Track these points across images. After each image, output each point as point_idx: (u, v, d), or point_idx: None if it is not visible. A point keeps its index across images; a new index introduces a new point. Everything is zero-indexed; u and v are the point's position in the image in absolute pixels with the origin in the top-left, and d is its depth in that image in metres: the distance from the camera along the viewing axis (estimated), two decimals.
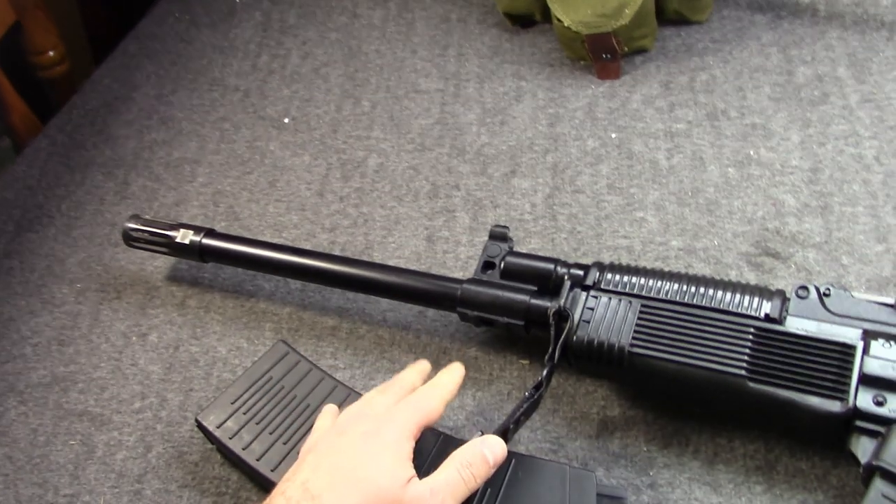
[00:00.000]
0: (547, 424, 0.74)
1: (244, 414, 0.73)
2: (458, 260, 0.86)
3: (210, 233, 0.85)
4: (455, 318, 0.82)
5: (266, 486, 0.69)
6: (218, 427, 0.73)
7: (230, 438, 0.72)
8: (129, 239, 0.88)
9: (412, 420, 0.63)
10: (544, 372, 0.67)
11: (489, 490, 0.62)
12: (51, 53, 1.25)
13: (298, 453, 0.69)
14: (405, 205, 0.92)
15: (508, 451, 0.66)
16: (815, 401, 0.62)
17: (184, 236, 0.85)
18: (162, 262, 0.94)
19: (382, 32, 1.11)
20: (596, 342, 0.68)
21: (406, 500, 0.58)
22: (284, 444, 0.71)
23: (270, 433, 0.72)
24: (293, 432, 0.72)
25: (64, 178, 1.07)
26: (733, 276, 0.77)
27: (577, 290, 0.71)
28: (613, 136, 0.91)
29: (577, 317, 0.70)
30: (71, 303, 0.93)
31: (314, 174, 0.98)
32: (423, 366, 0.71)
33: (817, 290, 0.67)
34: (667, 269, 0.71)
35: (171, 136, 1.07)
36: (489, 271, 0.76)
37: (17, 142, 1.22)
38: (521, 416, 0.66)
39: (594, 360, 0.69)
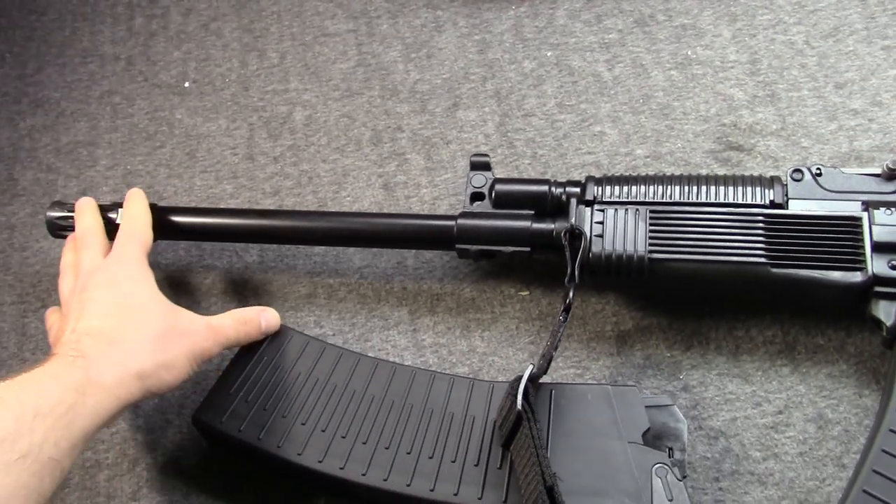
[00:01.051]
0: (565, 351, 0.72)
1: (247, 402, 0.67)
2: (424, 202, 0.82)
3: (153, 207, 0.76)
4: (438, 260, 0.79)
5: (295, 472, 0.63)
6: (222, 421, 0.66)
7: (240, 430, 0.65)
8: (56, 229, 0.77)
9: (135, 249, 0.69)
10: (570, 293, 0.65)
11: (538, 424, 0.60)
12: None
13: (323, 432, 0.64)
14: (349, 155, 0.87)
15: (544, 383, 0.64)
16: (836, 275, 0.64)
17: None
18: None
19: None
20: (614, 255, 0.67)
21: (181, 327, 0.65)
22: (303, 424, 0.65)
23: (284, 416, 0.66)
24: (309, 410, 0.66)
25: None
26: (705, 174, 0.78)
27: (581, 206, 0.69)
28: (549, 54, 0.89)
29: (588, 233, 0.68)
30: None
31: (237, 137, 0.90)
32: (89, 202, 0.75)
33: (809, 170, 0.68)
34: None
35: (52, 120, 0.95)
36: (477, 203, 0.73)
37: None
38: (557, 342, 0.64)
39: (613, 273, 0.68)
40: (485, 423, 0.65)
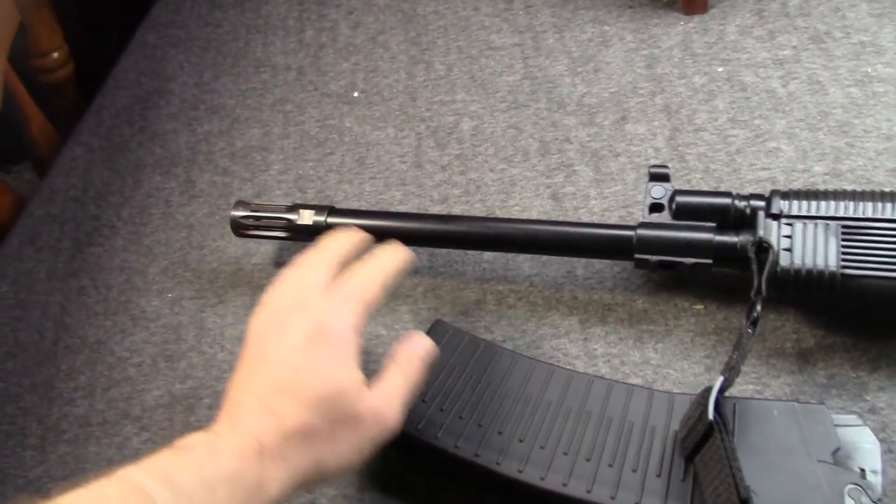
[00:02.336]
0: (744, 367, 0.71)
1: (441, 410, 0.67)
2: (593, 214, 0.82)
3: (333, 210, 0.79)
4: (609, 271, 0.78)
5: (487, 477, 0.63)
6: (418, 428, 0.66)
7: (436, 437, 0.65)
8: (240, 228, 0.81)
9: (357, 315, 0.58)
10: (758, 307, 0.64)
11: (724, 438, 0.59)
12: (55, 55, 1.15)
13: (500, 434, 0.64)
14: (516, 165, 0.88)
15: (728, 397, 0.63)
16: None
17: (304, 217, 0.79)
18: (259, 259, 0.87)
19: None
20: (803, 270, 0.66)
21: (363, 414, 0.55)
22: (479, 426, 0.65)
23: (461, 417, 0.66)
24: (485, 415, 0.66)
25: (114, 184, 0.98)
26: None
27: (768, 220, 0.68)
28: (720, 69, 0.89)
29: (776, 246, 0.67)
30: (167, 315, 0.85)
31: (405, 146, 0.92)
32: (355, 234, 0.66)
33: None
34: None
35: (228, 126, 1.00)
36: (655, 214, 0.73)
37: (38, 155, 1.12)
38: (744, 356, 0.62)
39: (802, 289, 0.66)
40: (665, 434, 0.64)
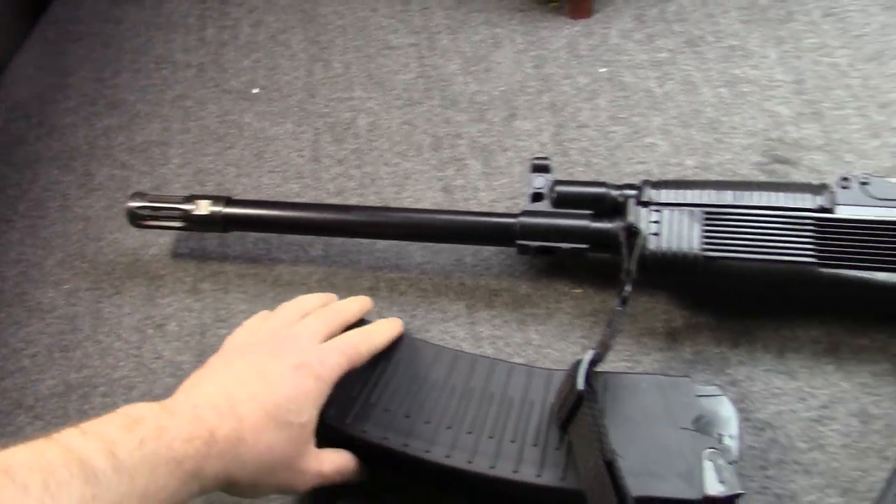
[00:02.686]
0: (617, 346, 0.75)
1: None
2: (482, 205, 0.86)
3: (230, 201, 0.81)
4: (495, 258, 0.82)
5: (417, 466, 0.65)
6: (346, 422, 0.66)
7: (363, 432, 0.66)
8: (137, 218, 0.82)
9: (340, 366, 0.63)
10: (627, 287, 0.69)
11: (592, 407, 0.63)
12: None
13: (448, 428, 0.66)
14: (410, 160, 0.91)
15: (599, 372, 0.67)
16: (882, 276, 0.68)
17: (201, 207, 0.81)
18: (157, 250, 0.88)
19: None
20: (669, 253, 0.71)
21: (305, 466, 0.60)
22: (407, 417, 0.67)
23: (407, 416, 0.67)
24: (376, 392, 0.69)
25: (11, 177, 0.98)
26: (757, 180, 0.81)
27: (638, 207, 0.73)
28: (602, 70, 0.94)
29: (645, 231, 0.72)
30: (63, 306, 0.86)
31: (303, 141, 0.95)
32: (366, 303, 0.72)
33: (857, 179, 0.72)
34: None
35: (128, 120, 1.01)
36: (537, 203, 0.77)
37: None
38: (615, 333, 0.67)
39: (668, 271, 0.72)
40: (542, 407, 0.68)
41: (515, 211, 0.79)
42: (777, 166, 0.84)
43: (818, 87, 0.88)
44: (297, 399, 0.59)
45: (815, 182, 0.73)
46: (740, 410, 0.70)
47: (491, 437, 0.66)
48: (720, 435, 0.65)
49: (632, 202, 0.74)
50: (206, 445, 0.53)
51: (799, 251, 0.69)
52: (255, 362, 0.61)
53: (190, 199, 0.81)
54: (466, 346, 0.77)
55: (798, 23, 0.94)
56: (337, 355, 0.63)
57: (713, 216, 0.72)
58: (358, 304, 0.72)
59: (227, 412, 0.56)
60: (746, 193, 0.73)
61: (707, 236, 0.71)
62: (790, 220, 0.71)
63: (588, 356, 0.64)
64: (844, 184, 0.72)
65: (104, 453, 0.48)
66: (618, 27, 0.97)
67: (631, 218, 0.73)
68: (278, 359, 0.61)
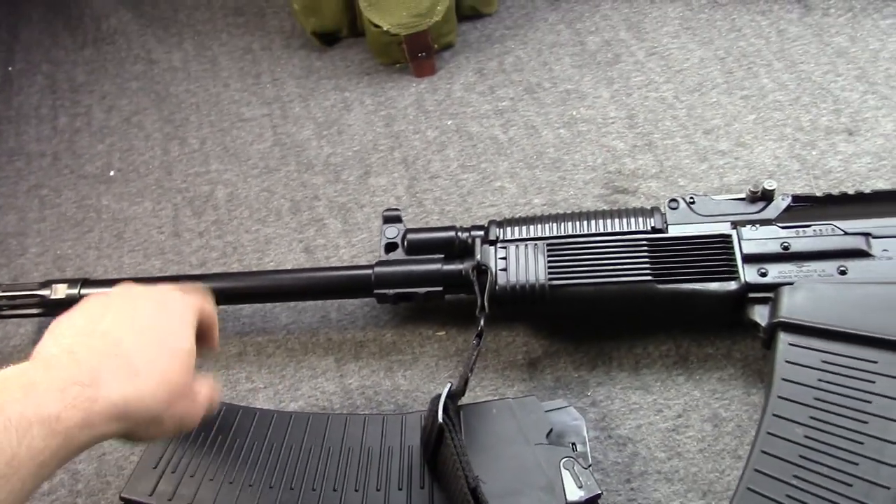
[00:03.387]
0: (483, 381, 0.78)
1: (173, 473, 0.68)
2: (343, 261, 0.88)
3: (86, 282, 0.80)
4: (360, 311, 0.84)
5: None
6: (150, 495, 0.67)
7: (169, 501, 0.67)
8: None
9: (195, 305, 0.60)
10: (481, 322, 0.72)
11: (453, 437, 0.65)
12: None
13: (313, 490, 0.67)
14: (270, 225, 0.93)
15: (459, 406, 0.70)
16: (714, 286, 0.72)
17: (58, 291, 0.80)
18: (18, 340, 0.87)
19: (187, 73, 1.10)
20: (517, 285, 0.74)
21: (192, 390, 0.56)
22: (231, 483, 0.67)
23: (212, 479, 0.68)
24: (234, 471, 0.68)
25: None
26: (594, 210, 0.85)
27: (486, 246, 0.77)
28: (449, 123, 0.98)
29: (493, 268, 0.75)
30: None
31: (162, 217, 0.95)
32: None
33: (684, 199, 0.77)
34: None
35: None
36: (392, 253, 0.79)
37: None
38: (473, 364, 0.70)
39: (518, 302, 0.75)
40: (401, 451, 0.69)
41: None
42: (618, 196, 0.89)
43: (648, 120, 0.94)
44: (175, 325, 0.56)
45: (648, 206, 0.78)
46: (602, 429, 0.73)
47: (356, 490, 0.67)
48: (572, 443, 0.68)
49: (478, 241, 0.77)
50: (90, 388, 0.48)
51: (636, 271, 0.73)
52: (120, 312, 0.55)
53: (46, 284, 0.81)
54: (337, 400, 0.78)
55: (625, 63, 1.00)
56: (190, 300, 0.60)
57: (556, 247, 0.76)
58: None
59: (109, 348, 0.51)
60: (585, 223, 0.77)
61: (552, 267, 0.75)
62: (626, 243, 0.75)
63: (445, 389, 0.66)
64: (673, 205, 0.77)
65: None
66: (461, 82, 1.02)
67: (479, 257, 0.76)
68: (142, 297, 0.58)
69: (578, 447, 0.67)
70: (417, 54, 1.01)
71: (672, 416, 0.73)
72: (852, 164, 0.87)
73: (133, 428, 0.51)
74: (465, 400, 0.73)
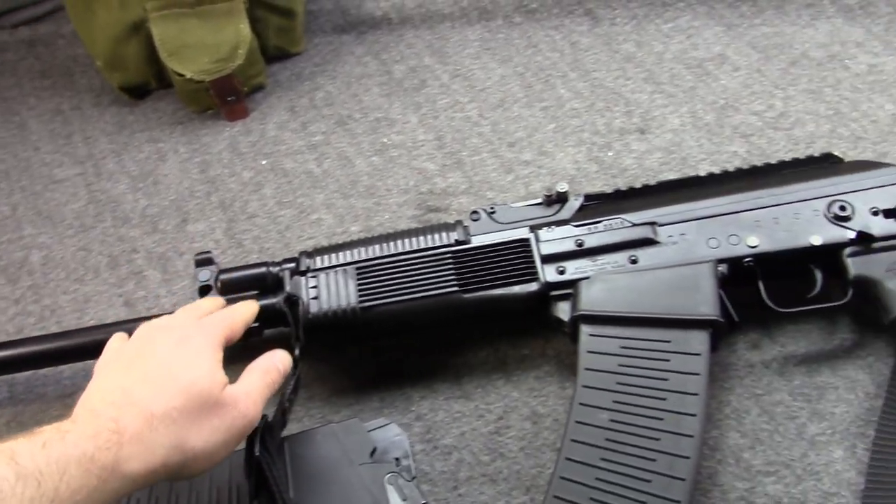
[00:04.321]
0: (310, 410, 0.79)
1: None
2: (164, 310, 0.87)
3: None
4: None
5: None
6: None
7: None
8: None
9: (219, 330, 0.66)
10: (296, 351, 0.73)
11: (276, 465, 0.65)
12: None
13: None
14: (88, 283, 0.91)
15: (282, 437, 0.70)
16: (518, 288, 0.75)
17: None
18: None
19: None
20: (330, 311, 0.76)
21: (225, 401, 0.60)
22: None
23: None
24: None
25: None
26: (400, 230, 0.87)
27: (297, 277, 0.78)
28: (264, 162, 0.99)
29: (305, 298, 0.76)
30: None
31: None
32: (219, 300, 0.75)
33: (485, 210, 0.80)
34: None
35: None
36: (206, 295, 0.79)
37: None
38: (291, 394, 0.70)
39: (333, 328, 0.76)
40: (229, 490, 0.70)
41: None
42: (431, 215, 0.91)
43: (456, 139, 0.98)
44: (185, 363, 0.60)
45: (452, 221, 0.81)
46: (428, 441, 0.75)
47: None
48: (396, 458, 0.70)
49: (287, 273, 0.78)
50: (115, 437, 0.53)
51: (443, 284, 0.76)
52: (142, 353, 0.62)
53: None
54: None
55: (431, 87, 1.04)
56: (212, 328, 0.65)
57: (364, 270, 0.77)
58: (245, 307, 0.73)
59: (127, 403, 0.56)
60: (392, 243, 0.79)
61: (362, 289, 0.76)
62: (431, 258, 0.77)
63: (261, 423, 0.67)
64: (475, 216, 0.80)
65: (4, 461, 0.48)
66: (274, 121, 1.03)
67: (290, 289, 0.77)
68: (160, 342, 0.63)
69: (402, 461, 0.68)
70: (226, 99, 1.01)
71: (493, 420, 0.76)
72: (645, 161, 0.92)
73: (166, 462, 0.55)
74: (291, 430, 0.74)
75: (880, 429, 0.72)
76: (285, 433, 0.72)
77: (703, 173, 0.81)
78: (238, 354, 0.68)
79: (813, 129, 0.92)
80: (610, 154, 0.94)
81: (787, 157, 0.91)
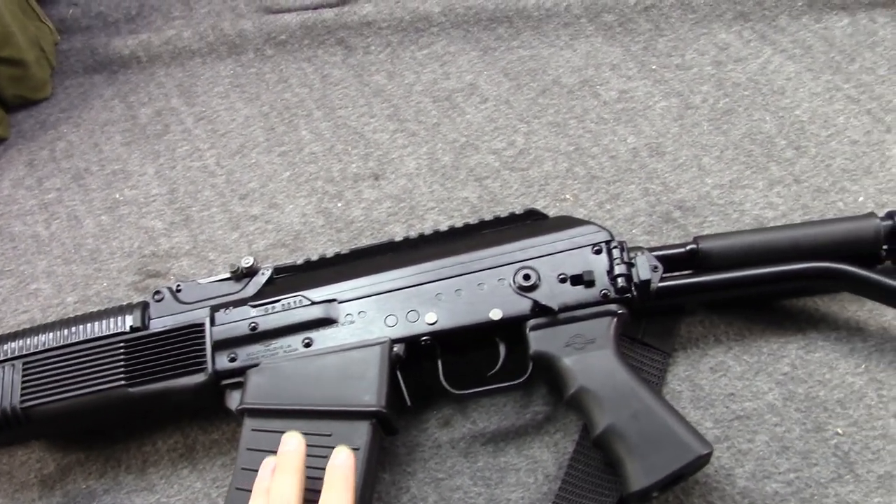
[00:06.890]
0: None
1: None
2: None
3: None
4: None
5: None
6: None
7: None
8: None
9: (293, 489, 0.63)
10: None
11: None
12: None
13: None
14: None
15: None
16: (183, 380, 0.72)
17: None
18: None
19: None
20: None
21: None
22: None
23: None
24: None
25: None
26: (73, 316, 0.80)
27: None
28: None
29: None
30: None
31: None
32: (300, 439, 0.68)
33: (170, 289, 0.76)
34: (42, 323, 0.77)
35: None
36: None
37: None
38: None
39: None
40: None
41: None
42: (150, 281, 0.87)
43: (188, 192, 0.93)
44: None
45: (134, 302, 0.77)
46: None
47: None
48: None
49: None
50: None
51: (108, 377, 0.72)
52: None
53: None
54: None
55: (173, 133, 0.99)
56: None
57: (31, 364, 0.74)
58: (294, 440, 0.66)
59: None
60: (64, 332, 0.75)
61: (26, 386, 0.73)
62: (102, 348, 0.73)
63: None
64: (158, 297, 0.76)
65: None
66: (10, 178, 0.99)
67: None
68: None
69: None
70: None
71: None
72: (374, 211, 0.88)
73: None
74: None
75: None
76: None
77: (399, 238, 0.77)
78: None
79: (550, 169, 0.88)
80: (339, 204, 0.89)
81: (517, 202, 0.87)
